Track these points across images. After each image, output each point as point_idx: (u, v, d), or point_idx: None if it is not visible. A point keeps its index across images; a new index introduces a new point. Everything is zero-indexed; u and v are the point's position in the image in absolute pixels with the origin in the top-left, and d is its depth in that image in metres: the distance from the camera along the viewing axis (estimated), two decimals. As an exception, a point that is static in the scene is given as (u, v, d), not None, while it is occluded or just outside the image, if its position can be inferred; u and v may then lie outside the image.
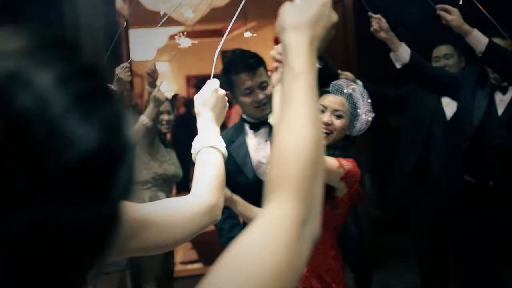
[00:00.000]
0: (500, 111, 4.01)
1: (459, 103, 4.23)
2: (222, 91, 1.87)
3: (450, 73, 4.43)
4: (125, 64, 3.36)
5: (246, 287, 0.79)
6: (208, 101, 1.82)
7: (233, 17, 2.06)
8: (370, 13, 3.83)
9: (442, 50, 4.59)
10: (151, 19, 4.81)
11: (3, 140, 0.58)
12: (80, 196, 0.62)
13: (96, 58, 0.70)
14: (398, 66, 3.89)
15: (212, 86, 1.86)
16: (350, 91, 2.73)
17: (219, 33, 14.84)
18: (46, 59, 0.65)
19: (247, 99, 3.15)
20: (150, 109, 4.12)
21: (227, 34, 1.99)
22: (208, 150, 1.71)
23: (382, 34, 3.82)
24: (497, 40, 4.03)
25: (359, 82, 4.33)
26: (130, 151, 0.69)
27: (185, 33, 3.82)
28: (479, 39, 3.58)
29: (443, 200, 4.28)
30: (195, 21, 5.18)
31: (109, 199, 0.68)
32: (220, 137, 1.78)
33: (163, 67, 13.14)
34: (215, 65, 2.04)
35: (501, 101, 4.01)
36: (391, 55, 3.90)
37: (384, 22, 3.80)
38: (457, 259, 4.40)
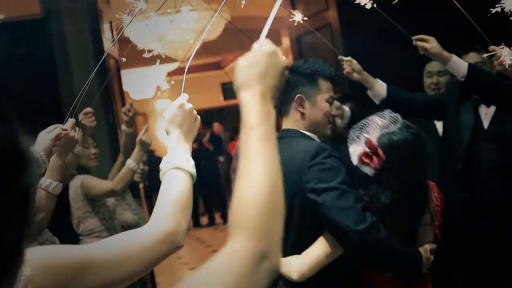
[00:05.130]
0: (486, 124, 4.00)
1: (445, 123, 4.23)
2: (189, 105, 1.74)
3: (431, 96, 4.41)
4: (88, 109, 3.17)
5: None
6: (175, 118, 1.72)
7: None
8: (340, 57, 3.82)
9: (436, 66, 4.54)
10: (143, 58, 4.85)
11: None
12: None
13: None
14: (377, 102, 3.86)
15: (178, 101, 1.74)
16: None
17: (217, 66, 14.97)
18: None
19: (327, 108, 2.72)
20: (136, 153, 4.03)
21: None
22: (172, 172, 1.63)
23: (355, 76, 3.78)
24: (472, 55, 4.04)
25: (346, 108, 4.33)
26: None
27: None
28: (459, 64, 3.50)
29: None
30: (188, 58, 5.20)
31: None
32: (188, 155, 1.68)
33: (164, 105, 13.20)
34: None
35: (485, 114, 3.99)
36: (368, 92, 3.87)
37: (355, 64, 3.77)
38: (462, 275, 4.37)
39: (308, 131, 2.69)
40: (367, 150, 2.36)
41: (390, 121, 2.42)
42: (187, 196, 1.60)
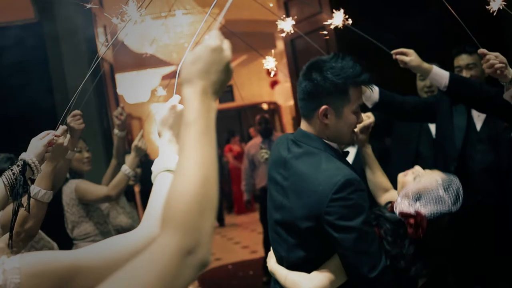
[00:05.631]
0: (478, 126, 4.03)
1: (438, 125, 4.23)
2: (181, 107, 1.68)
3: (424, 99, 4.40)
4: (76, 112, 3.10)
5: None
6: (167, 119, 1.69)
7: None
8: None
9: None
10: (137, 62, 4.87)
11: None
12: None
13: None
14: (369, 105, 3.84)
15: (170, 103, 1.72)
16: None
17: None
18: None
19: (353, 120, 2.47)
20: (132, 159, 4.03)
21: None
22: (164, 175, 1.61)
23: None
24: (464, 57, 4.06)
25: None
26: None
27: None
28: (440, 75, 3.49)
29: None
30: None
31: None
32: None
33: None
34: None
35: (478, 116, 4.01)
36: None
37: None
38: (455, 276, 4.38)
39: (329, 139, 2.48)
40: (413, 215, 2.23)
41: (452, 200, 2.24)
42: None
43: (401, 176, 2.46)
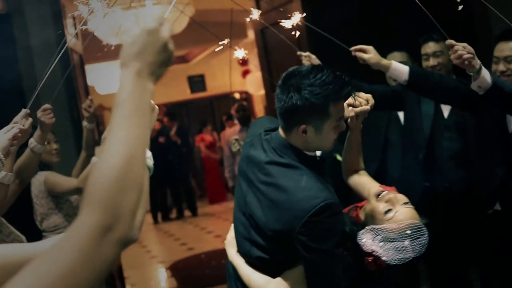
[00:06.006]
0: (446, 113, 4.09)
1: (407, 113, 4.29)
2: None
3: (391, 87, 4.42)
4: (46, 106, 3.09)
5: (42, 281, 1.00)
6: None
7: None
8: (299, 52, 3.85)
9: (397, 57, 4.47)
10: (107, 52, 4.83)
11: None
12: None
13: None
14: None
15: None
16: None
17: (183, 59, 14.93)
18: None
19: (333, 135, 2.39)
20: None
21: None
22: None
23: None
24: (431, 45, 4.10)
25: None
26: None
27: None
28: (400, 70, 3.54)
29: None
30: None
31: None
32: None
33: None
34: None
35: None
36: None
37: (314, 59, 3.78)
38: (425, 264, 4.45)
39: (308, 150, 2.40)
40: (373, 254, 2.25)
41: (416, 251, 2.21)
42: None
43: (372, 196, 2.41)
